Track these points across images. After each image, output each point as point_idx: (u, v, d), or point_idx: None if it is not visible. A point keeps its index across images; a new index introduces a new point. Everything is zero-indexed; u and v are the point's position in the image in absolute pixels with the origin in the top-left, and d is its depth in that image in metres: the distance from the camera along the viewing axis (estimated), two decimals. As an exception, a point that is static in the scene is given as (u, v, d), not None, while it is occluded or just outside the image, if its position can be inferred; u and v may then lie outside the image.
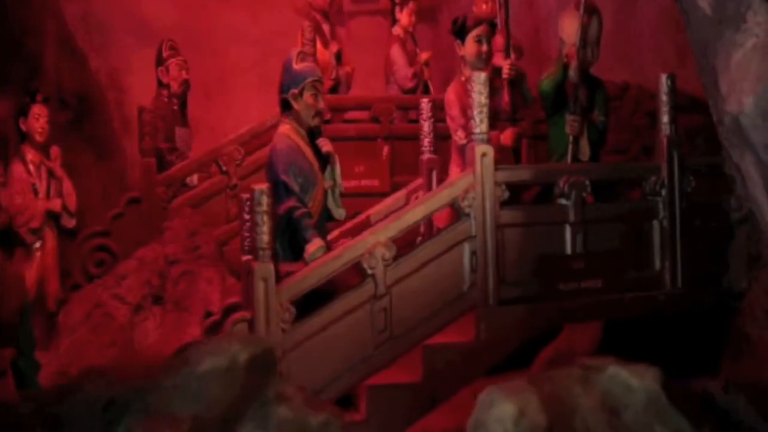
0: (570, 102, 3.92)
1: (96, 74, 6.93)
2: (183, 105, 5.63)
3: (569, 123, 3.92)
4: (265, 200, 3.29)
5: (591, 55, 4.00)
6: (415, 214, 3.54)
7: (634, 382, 1.72)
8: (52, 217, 5.15)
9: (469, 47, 4.12)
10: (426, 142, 4.52)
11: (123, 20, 7.05)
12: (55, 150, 5.27)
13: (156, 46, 6.68)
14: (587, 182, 3.76)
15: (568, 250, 3.75)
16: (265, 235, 3.30)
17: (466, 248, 3.58)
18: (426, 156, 4.53)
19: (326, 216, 3.88)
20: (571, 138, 3.95)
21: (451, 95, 4.14)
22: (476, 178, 3.57)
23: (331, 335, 3.41)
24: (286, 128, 3.85)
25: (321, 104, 3.83)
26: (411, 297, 3.50)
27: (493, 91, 4.26)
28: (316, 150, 3.86)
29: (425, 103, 4.57)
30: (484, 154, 3.58)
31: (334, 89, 5.69)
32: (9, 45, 6.47)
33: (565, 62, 3.88)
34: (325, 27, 5.84)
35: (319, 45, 5.71)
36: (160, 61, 5.70)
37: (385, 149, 5.33)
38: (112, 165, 6.93)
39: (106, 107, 7.01)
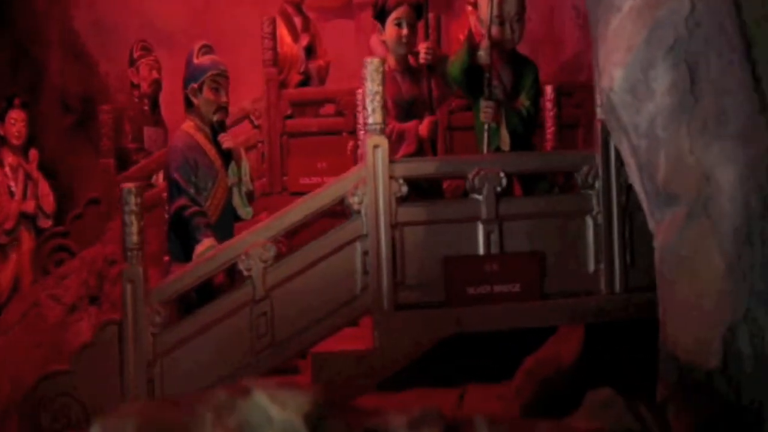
0: (484, 86, 3.56)
1: (105, 77, 7.10)
2: (154, 105, 5.63)
3: (482, 110, 3.52)
4: (132, 200, 3.16)
5: (510, 33, 3.60)
6: (298, 212, 3.31)
7: (274, 411, 1.44)
8: (28, 218, 5.30)
9: (388, 31, 3.82)
10: (362, 135, 4.27)
11: (133, 23, 7.17)
12: (33, 153, 5.43)
13: (165, 48, 6.76)
14: (502, 174, 3.39)
15: (481, 250, 3.40)
16: (133, 236, 3.17)
17: (358, 248, 3.31)
18: (361, 150, 4.27)
19: (232, 215, 3.73)
20: (486, 126, 3.58)
21: None
22: (367, 172, 3.30)
23: (207, 340, 3.24)
24: (187, 125, 3.74)
25: (223, 99, 3.68)
26: (296, 300, 3.27)
27: (418, 77, 3.97)
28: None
29: (360, 94, 4.31)
30: (376, 146, 3.29)
31: (303, 83, 5.52)
32: (16, 52, 6.78)
33: (471, 42, 3.52)
34: (297, 20, 5.67)
35: (288, 39, 5.56)
36: (131, 62, 5.74)
37: (350, 144, 5.09)
38: (118, 167, 7.08)
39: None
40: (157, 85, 5.67)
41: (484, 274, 3.36)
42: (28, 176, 5.39)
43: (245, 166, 3.73)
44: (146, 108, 5.58)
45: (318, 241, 3.35)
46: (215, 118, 3.68)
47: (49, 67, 6.59)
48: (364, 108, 3.31)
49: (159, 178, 5.33)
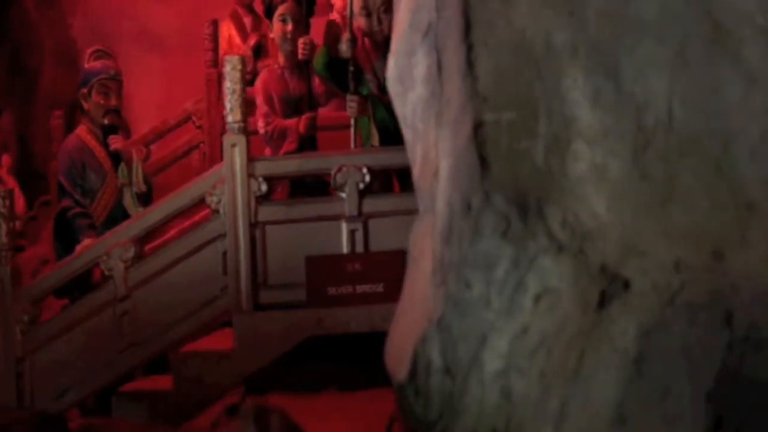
0: (349, 80, 3.45)
1: (100, 84, 7.38)
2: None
3: (347, 104, 3.44)
4: (0, 202, 3.28)
5: (378, 25, 3.45)
6: (159, 211, 3.33)
7: None
8: (-3, 219, 5.57)
9: (275, 28, 3.79)
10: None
11: (127, 30, 7.42)
12: (5, 158, 5.71)
13: (158, 52, 6.97)
14: (365, 170, 3.28)
15: (345, 249, 3.32)
16: (2, 237, 3.30)
17: (218, 248, 3.30)
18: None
19: (123, 216, 3.79)
20: (353, 121, 3.48)
21: (258, 82, 3.85)
22: (226, 172, 3.28)
23: (74, 338, 3.32)
24: (80, 128, 3.85)
25: (112, 102, 3.75)
26: (158, 300, 3.30)
27: (307, 74, 3.90)
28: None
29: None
30: (233, 145, 3.27)
31: (252, 83, 5.53)
32: (11, 62, 7.15)
33: (330, 36, 3.42)
34: (247, 20, 5.68)
35: (237, 39, 5.59)
36: (73, 65, 5.91)
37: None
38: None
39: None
40: (115, 89, 5.84)
41: (346, 274, 3.27)
42: (0, 180, 5.69)
43: (137, 167, 3.79)
44: (105, 112, 5.76)
45: (179, 241, 3.37)
46: (105, 121, 3.76)
47: (43, 74, 6.92)
48: (226, 105, 3.30)
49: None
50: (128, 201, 3.78)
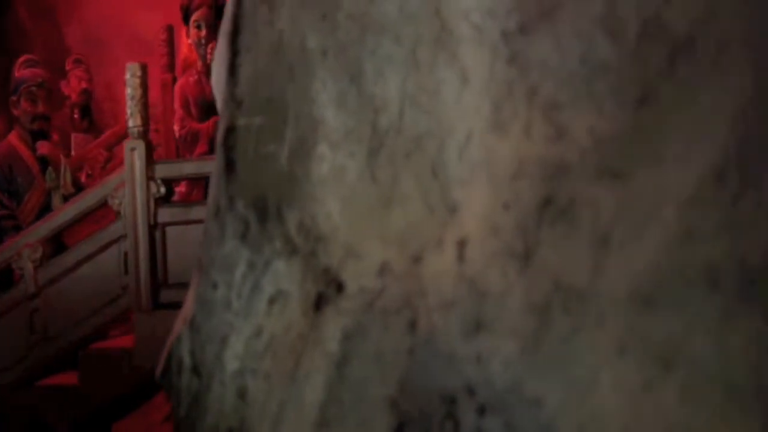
0: None
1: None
2: (84, 113, 5.98)
3: None
4: None
5: None
6: (66, 213, 3.46)
7: None
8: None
9: (191, 33, 3.87)
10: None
11: (117, 36, 7.65)
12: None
13: (146, 58, 7.21)
14: None
15: None
16: None
17: (120, 249, 3.41)
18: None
19: (52, 217, 3.95)
20: None
21: (176, 87, 3.94)
22: (126, 175, 3.38)
23: None
24: (12, 134, 4.02)
25: (39, 109, 3.90)
26: (66, 299, 3.44)
27: None
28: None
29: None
30: (133, 149, 3.36)
31: (213, 87, 5.62)
32: (5, 71, 7.45)
33: None
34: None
35: None
36: (64, 74, 6.10)
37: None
38: (107, 171, 7.60)
39: (102, 117, 7.67)
40: (86, 94, 6.04)
41: (241, 274, 3.34)
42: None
43: (65, 171, 3.94)
44: (76, 116, 5.96)
45: (85, 242, 3.50)
46: (34, 127, 3.92)
47: (35, 83, 7.23)
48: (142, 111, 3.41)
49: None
50: (56, 203, 3.94)
